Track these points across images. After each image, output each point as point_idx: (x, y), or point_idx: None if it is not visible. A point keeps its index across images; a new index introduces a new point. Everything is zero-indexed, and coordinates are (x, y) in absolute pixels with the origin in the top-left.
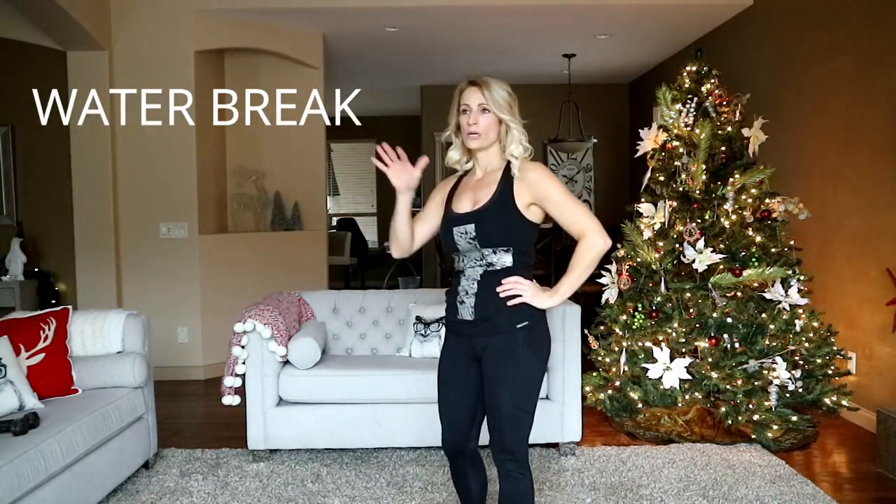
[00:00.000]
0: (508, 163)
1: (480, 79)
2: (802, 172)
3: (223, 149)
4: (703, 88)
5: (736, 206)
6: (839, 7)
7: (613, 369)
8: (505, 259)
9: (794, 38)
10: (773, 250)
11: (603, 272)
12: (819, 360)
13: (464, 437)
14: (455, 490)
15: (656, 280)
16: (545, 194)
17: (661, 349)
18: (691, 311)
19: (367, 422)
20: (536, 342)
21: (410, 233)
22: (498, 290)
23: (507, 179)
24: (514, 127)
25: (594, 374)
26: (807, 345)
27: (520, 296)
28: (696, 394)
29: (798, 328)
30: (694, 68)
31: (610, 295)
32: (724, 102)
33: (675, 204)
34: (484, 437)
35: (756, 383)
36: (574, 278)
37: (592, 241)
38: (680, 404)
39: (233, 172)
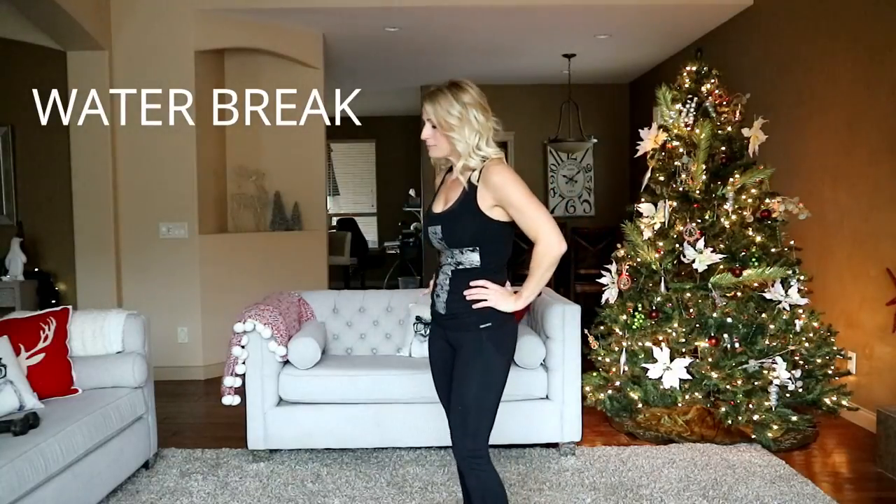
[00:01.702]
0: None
1: (432, 94)
2: (802, 172)
3: (223, 149)
4: (703, 88)
5: (736, 206)
6: (839, 7)
7: (613, 369)
8: (473, 258)
9: (794, 38)
10: (773, 250)
11: (603, 272)
12: (819, 360)
13: None
14: (459, 488)
15: (656, 280)
16: (505, 198)
17: (661, 349)
18: (691, 311)
19: (367, 422)
20: (500, 341)
21: None
22: (465, 293)
23: (471, 182)
24: (461, 143)
25: (594, 374)
26: (807, 345)
27: (485, 300)
28: (696, 394)
29: (798, 328)
30: (694, 68)
31: (610, 295)
32: (724, 102)
33: (675, 204)
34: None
35: (756, 383)
36: (534, 283)
37: (547, 246)
38: (680, 404)
39: (233, 172)
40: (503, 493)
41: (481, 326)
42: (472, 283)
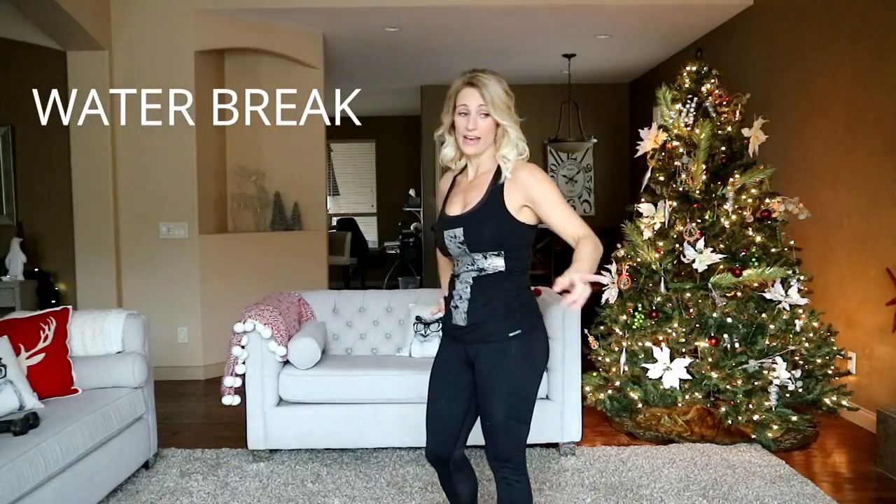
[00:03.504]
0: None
1: (478, 79)
2: (802, 172)
3: (223, 149)
4: (703, 88)
5: (736, 206)
6: (839, 7)
7: (613, 369)
8: (497, 263)
9: (794, 38)
10: (773, 250)
11: (603, 272)
12: (819, 360)
13: (448, 446)
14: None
15: (656, 280)
16: (538, 197)
17: (661, 349)
18: (691, 311)
19: (367, 422)
20: (529, 350)
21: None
22: (563, 304)
23: (497, 181)
24: (512, 130)
25: (594, 374)
26: (807, 345)
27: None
28: (696, 394)
29: (798, 328)
30: (694, 68)
31: (610, 295)
32: (724, 102)
33: (675, 204)
34: (479, 439)
35: (756, 383)
36: (586, 266)
37: (591, 244)
38: (680, 404)
39: (233, 172)
40: None
41: (510, 335)
42: (558, 280)
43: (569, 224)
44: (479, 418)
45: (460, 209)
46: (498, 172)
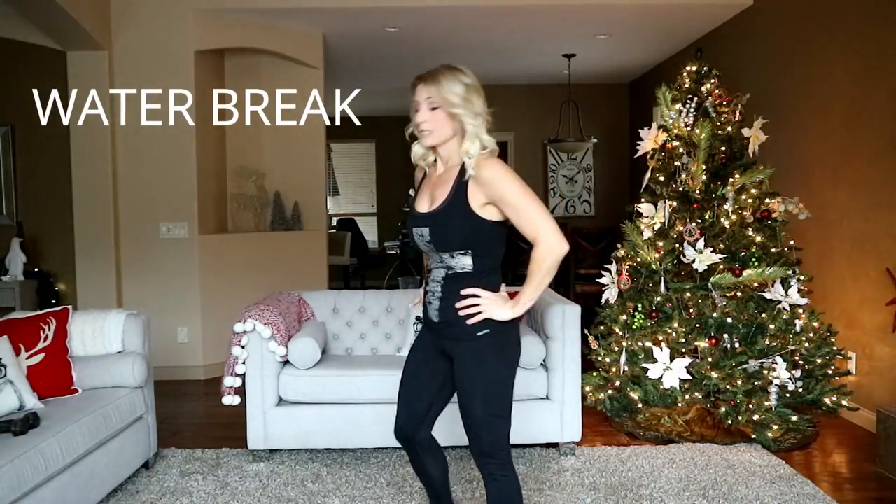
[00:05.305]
0: None
1: (426, 74)
2: (802, 172)
3: (223, 149)
4: (703, 88)
5: (736, 206)
6: (839, 7)
7: (613, 369)
8: (465, 262)
9: (794, 38)
10: (773, 250)
11: (603, 272)
12: (819, 360)
13: (415, 425)
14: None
15: (656, 280)
16: (499, 195)
17: (661, 349)
18: (691, 311)
19: (368, 422)
20: (500, 347)
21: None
22: (457, 305)
23: (462, 178)
24: (469, 122)
25: (594, 374)
26: (807, 345)
27: (479, 311)
28: (696, 394)
29: (798, 328)
30: (694, 68)
31: (610, 295)
32: (724, 102)
33: (675, 204)
34: (463, 439)
35: (756, 383)
36: (533, 287)
37: (548, 246)
38: (680, 404)
39: (233, 172)
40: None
41: (479, 334)
42: (462, 292)
43: (528, 224)
44: (459, 414)
45: (427, 206)
46: (464, 169)
